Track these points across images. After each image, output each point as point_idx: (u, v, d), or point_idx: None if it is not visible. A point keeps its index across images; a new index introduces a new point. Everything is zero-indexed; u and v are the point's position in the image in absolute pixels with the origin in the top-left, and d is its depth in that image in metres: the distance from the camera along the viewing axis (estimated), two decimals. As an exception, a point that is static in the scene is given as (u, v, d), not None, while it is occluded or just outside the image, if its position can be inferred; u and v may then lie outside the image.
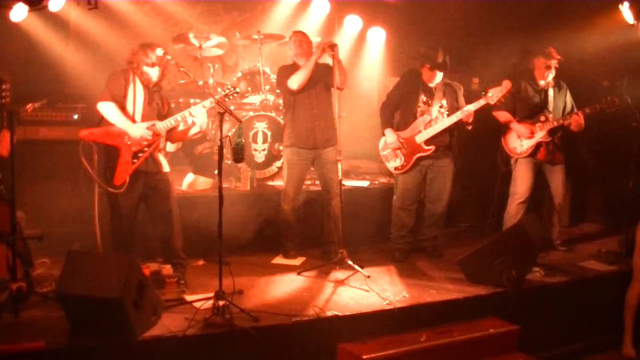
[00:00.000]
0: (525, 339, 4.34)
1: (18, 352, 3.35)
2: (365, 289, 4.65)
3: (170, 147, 5.52)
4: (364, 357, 3.74)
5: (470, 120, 5.29)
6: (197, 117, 4.66)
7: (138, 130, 4.52)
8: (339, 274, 4.98)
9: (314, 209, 5.73)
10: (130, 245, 4.69)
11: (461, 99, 5.54)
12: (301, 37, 5.45)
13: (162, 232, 4.76)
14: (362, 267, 4.98)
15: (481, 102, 5.25)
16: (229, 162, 5.51)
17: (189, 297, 4.28)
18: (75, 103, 5.76)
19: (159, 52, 4.57)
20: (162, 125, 4.61)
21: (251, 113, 6.17)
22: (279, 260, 5.46)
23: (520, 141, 5.66)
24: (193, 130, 4.79)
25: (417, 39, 6.44)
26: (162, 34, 6.52)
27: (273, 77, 6.29)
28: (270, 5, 7.53)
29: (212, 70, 6.41)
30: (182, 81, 6.41)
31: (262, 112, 6.19)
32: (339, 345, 3.92)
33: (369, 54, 7.84)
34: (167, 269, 4.39)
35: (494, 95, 5.23)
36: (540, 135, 5.59)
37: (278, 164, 6.14)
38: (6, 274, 3.87)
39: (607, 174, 6.73)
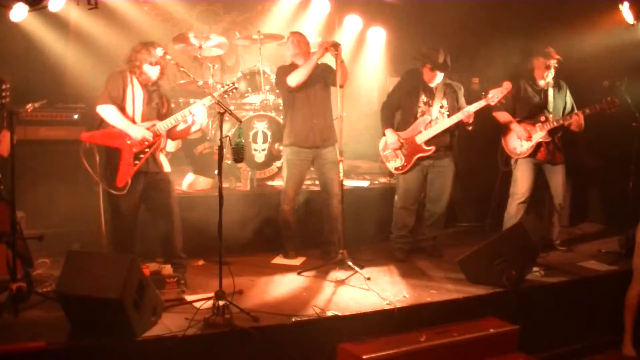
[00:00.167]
0: (525, 339, 4.34)
1: (18, 352, 3.35)
2: (365, 289, 4.65)
3: (170, 147, 5.54)
4: (364, 357, 3.73)
5: (471, 121, 5.30)
6: (197, 115, 4.67)
7: (138, 131, 4.52)
8: (339, 274, 4.98)
9: (314, 209, 5.73)
10: (131, 245, 4.69)
11: (461, 99, 5.54)
12: (299, 38, 5.46)
13: (162, 232, 4.77)
14: (362, 268, 4.98)
15: (481, 103, 5.26)
16: (229, 162, 5.51)
17: (189, 297, 4.28)
18: (75, 103, 5.77)
19: (159, 52, 4.57)
20: (163, 125, 4.61)
21: (251, 113, 6.17)
22: (279, 260, 5.46)
23: (520, 141, 5.66)
24: (193, 128, 4.80)
25: (418, 39, 6.43)
26: (162, 34, 6.51)
27: (273, 77, 6.29)
28: (270, 5, 7.52)
29: (212, 70, 6.41)
30: (182, 81, 6.41)
31: (262, 112, 6.19)
32: (339, 345, 3.91)
33: (369, 54, 7.83)
34: (167, 269, 4.39)
35: (494, 96, 5.24)
36: (540, 135, 5.59)
37: (278, 164, 6.14)
38: (6, 274, 3.87)
39: (607, 174, 6.73)
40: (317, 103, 5.35)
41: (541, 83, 5.68)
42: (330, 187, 5.39)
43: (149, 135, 4.54)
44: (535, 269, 5.08)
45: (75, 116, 5.65)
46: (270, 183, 6.28)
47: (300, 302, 4.38)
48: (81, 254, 3.95)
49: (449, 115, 5.39)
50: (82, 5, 5.26)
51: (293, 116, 5.37)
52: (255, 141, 6.13)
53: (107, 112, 4.52)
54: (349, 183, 6.33)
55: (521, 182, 5.68)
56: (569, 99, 5.77)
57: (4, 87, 3.96)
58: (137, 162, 4.54)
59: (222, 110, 4.04)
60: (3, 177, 4.24)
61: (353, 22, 7.66)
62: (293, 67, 5.35)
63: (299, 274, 5.04)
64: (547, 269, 5.17)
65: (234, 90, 4.74)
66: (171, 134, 4.79)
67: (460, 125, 5.40)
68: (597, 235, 6.57)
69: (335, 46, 5.03)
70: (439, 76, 5.42)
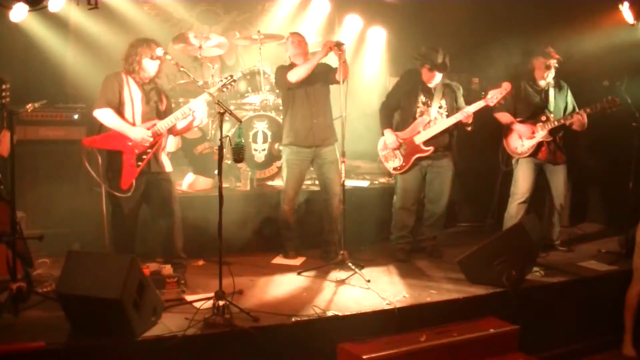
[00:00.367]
0: (525, 339, 4.34)
1: (18, 352, 3.35)
2: (366, 289, 4.65)
3: (170, 146, 5.53)
4: (364, 357, 3.74)
5: (470, 121, 5.30)
6: (197, 110, 4.64)
7: (138, 132, 4.52)
8: (339, 274, 4.98)
9: (314, 209, 5.73)
10: (131, 245, 4.70)
11: (460, 100, 5.54)
12: (299, 38, 5.47)
13: (162, 232, 4.76)
14: (362, 268, 4.98)
15: (480, 104, 5.26)
16: (229, 162, 5.51)
17: (189, 297, 4.28)
18: (75, 103, 5.77)
19: (159, 52, 4.57)
20: (163, 125, 4.60)
21: (251, 113, 6.18)
22: (279, 260, 5.46)
23: (522, 141, 5.66)
24: (195, 123, 4.79)
25: (418, 39, 6.42)
26: (162, 34, 6.50)
27: (273, 77, 6.29)
28: (270, 5, 7.52)
29: (212, 70, 6.41)
30: (182, 81, 6.41)
31: (262, 112, 6.19)
32: (339, 345, 3.92)
33: (369, 54, 7.83)
34: (167, 269, 4.39)
35: (493, 97, 5.24)
36: (541, 135, 5.59)
37: (278, 164, 6.14)
38: (6, 274, 3.87)
39: (607, 174, 6.73)
40: (317, 102, 5.34)
41: (542, 83, 5.68)
42: (330, 187, 5.39)
43: (148, 136, 4.54)
44: (535, 269, 5.08)
45: (75, 116, 5.65)
46: (270, 183, 6.28)
47: (300, 302, 4.38)
48: (81, 254, 3.95)
49: (447, 116, 5.39)
50: (82, 5, 5.25)
51: (292, 115, 5.37)
52: (255, 141, 6.13)
53: (104, 116, 4.52)
54: (348, 183, 6.30)
55: (522, 182, 5.68)
56: (570, 99, 5.77)
57: (4, 87, 3.96)
58: (139, 163, 4.55)
59: (222, 110, 4.04)
60: (3, 177, 4.24)
61: (353, 22, 7.65)
62: (292, 67, 5.35)
63: (299, 274, 5.04)
64: (547, 269, 5.17)
65: (233, 84, 4.70)
66: (173, 130, 4.78)
67: (459, 125, 5.40)
68: (597, 235, 6.57)
69: (339, 46, 5.01)
70: (438, 76, 5.42)
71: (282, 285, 4.79)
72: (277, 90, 6.00)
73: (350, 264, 4.92)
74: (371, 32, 7.78)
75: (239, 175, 6.02)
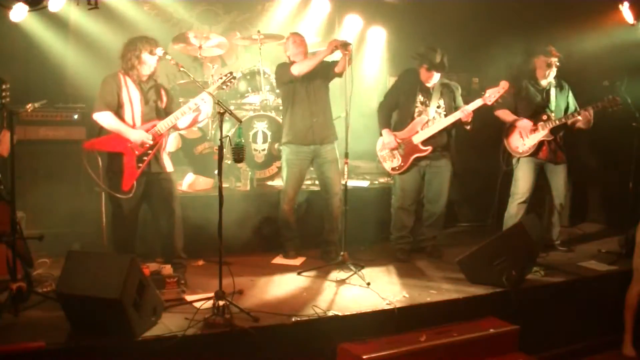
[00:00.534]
0: (525, 339, 4.34)
1: (18, 352, 3.35)
2: (365, 288, 4.65)
3: (170, 146, 5.53)
4: (364, 357, 3.74)
5: (469, 120, 5.29)
6: (202, 105, 4.62)
7: (137, 134, 4.51)
8: (339, 274, 4.98)
9: (314, 209, 5.74)
10: (131, 245, 4.69)
11: (459, 99, 5.54)
12: (300, 38, 5.47)
13: (163, 232, 4.77)
14: (362, 268, 4.98)
15: (478, 102, 5.25)
16: (229, 162, 5.51)
17: (189, 297, 4.28)
18: (75, 103, 5.76)
19: (159, 52, 4.56)
20: (163, 125, 4.60)
21: (251, 113, 6.18)
22: (278, 260, 5.46)
23: (523, 140, 5.66)
24: (200, 117, 4.79)
25: (418, 39, 6.42)
26: (162, 34, 6.49)
27: (273, 77, 6.29)
28: (270, 5, 7.52)
29: (212, 70, 6.41)
30: (182, 81, 6.41)
31: (262, 112, 6.20)
32: (339, 345, 3.92)
33: (369, 54, 7.83)
34: (167, 269, 4.39)
35: (491, 95, 5.23)
36: (542, 134, 5.59)
37: (278, 164, 6.14)
38: (6, 274, 3.87)
39: (607, 174, 6.73)
40: (317, 101, 5.34)
41: (543, 83, 5.68)
42: (330, 187, 5.38)
43: (147, 138, 4.53)
44: (535, 269, 5.08)
45: (75, 116, 5.65)
46: (270, 183, 6.28)
47: (300, 302, 4.38)
48: (81, 254, 3.95)
49: (445, 115, 5.39)
50: (82, 5, 5.25)
51: (292, 114, 5.36)
52: (255, 141, 6.13)
53: (103, 118, 4.51)
54: (348, 183, 6.30)
55: (522, 182, 5.68)
56: (572, 100, 5.77)
57: (4, 87, 3.96)
58: (140, 164, 4.54)
59: (222, 110, 4.04)
60: (3, 177, 4.24)
61: (353, 22, 7.66)
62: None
63: (299, 274, 5.04)
64: (547, 269, 5.17)
65: (233, 80, 4.69)
66: (176, 126, 4.74)
67: (458, 125, 5.40)
68: (597, 235, 6.57)
69: (345, 46, 4.98)
70: (436, 76, 5.42)
71: (282, 285, 4.79)
72: (277, 90, 5.99)
73: (350, 265, 4.92)
74: (371, 32, 7.78)
75: (239, 175, 6.02)
